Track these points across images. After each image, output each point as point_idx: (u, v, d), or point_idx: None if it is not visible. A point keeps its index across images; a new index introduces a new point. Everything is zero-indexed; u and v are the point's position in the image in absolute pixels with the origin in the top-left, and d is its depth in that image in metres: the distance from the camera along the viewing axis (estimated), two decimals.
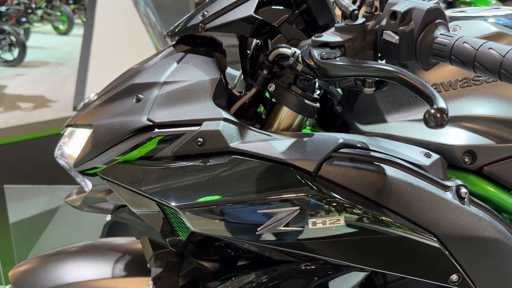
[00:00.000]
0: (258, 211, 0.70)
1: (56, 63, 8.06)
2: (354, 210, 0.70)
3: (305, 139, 0.77)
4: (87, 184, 0.91)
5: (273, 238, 0.71)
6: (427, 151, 0.81)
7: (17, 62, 7.63)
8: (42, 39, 9.96)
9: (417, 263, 0.74)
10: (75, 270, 1.06)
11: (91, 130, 0.85)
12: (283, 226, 0.70)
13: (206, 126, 0.77)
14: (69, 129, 0.94)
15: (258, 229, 0.71)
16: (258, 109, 0.92)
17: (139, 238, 0.95)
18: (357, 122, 0.90)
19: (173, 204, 0.72)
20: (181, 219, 0.79)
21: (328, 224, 0.70)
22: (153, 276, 0.84)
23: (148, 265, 0.90)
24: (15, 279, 1.06)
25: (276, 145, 0.75)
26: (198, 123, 0.78)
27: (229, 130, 0.77)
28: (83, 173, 0.87)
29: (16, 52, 7.52)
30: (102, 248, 1.12)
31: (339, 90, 0.95)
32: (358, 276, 0.78)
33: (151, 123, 0.79)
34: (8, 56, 7.60)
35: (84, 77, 5.17)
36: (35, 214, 2.18)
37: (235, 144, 0.76)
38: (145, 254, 0.91)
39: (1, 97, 6.18)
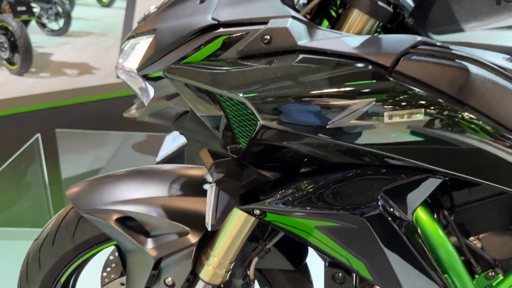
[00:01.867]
0: (330, 103, 0.67)
1: (99, 33, 8.22)
2: (434, 104, 0.66)
3: (379, 36, 0.72)
4: (149, 92, 0.90)
5: (344, 133, 0.68)
6: (509, 56, 0.76)
7: (63, 31, 7.82)
8: (86, 10, 10.17)
9: (500, 168, 0.69)
10: (132, 189, 1.07)
11: (154, 35, 0.83)
12: (356, 119, 0.66)
13: (273, 24, 0.74)
14: (130, 41, 0.94)
15: (329, 123, 0.68)
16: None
17: (198, 152, 0.94)
18: (431, 33, 0.85)
19: (241, 94, 0.70)
20: (244, 124, 0.77)
21: (406, 118, 0.66)
22: (214, 180, 0.83)
23: (209, 172, 0.88)
24: (73, 197, 1.08)
25: (348, 42, 0.71)
26: (264, 21, 0.75)
27: (297, 28, 0.73)
28: (146, 78, 0.86)
29: (61, 22, 7.71)
30: (156, 172, 1.13)
31: (410, 1, 0.90)
32: (431, 183, 0.74)
33: (216, 22, 0.77)
34: (54, 26, 7.80)
35: None
36: (85, 158, 2.25)
37: (304, 42, 0.73)
38: (205, 164, 0.90)
39: (48, 64, 6.37)
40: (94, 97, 5.39)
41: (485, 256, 0.89)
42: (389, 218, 0.74)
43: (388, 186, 0.73)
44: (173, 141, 2.08)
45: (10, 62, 5.74)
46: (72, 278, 1.21)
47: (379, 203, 0.73)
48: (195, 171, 1.14)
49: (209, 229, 0.83)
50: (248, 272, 1.06)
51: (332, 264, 0.88)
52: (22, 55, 5.51)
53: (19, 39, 5.40)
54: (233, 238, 0.99)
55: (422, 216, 0.84)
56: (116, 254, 1.29)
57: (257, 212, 0.84)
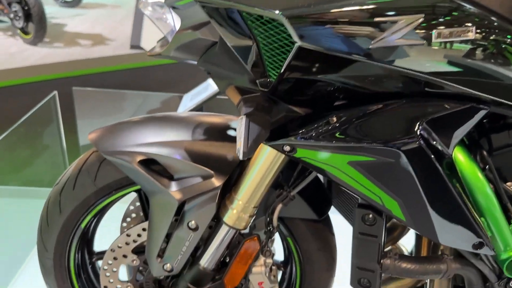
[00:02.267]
0: (375, 20, 0.63)
1: (112, 5, 8.15)
2: (486, 23, 0.61)
3: None
4: (175, 24, 0.86)
5: (388, 53, 0.64)
6: None
7: (76, 3, 7.77)
8: None
9: None
10: (154, 132, 1.04)
11: None
12: (402, 38, 0.62)
13: None
14: None
15: (372, 42, 0.64)
16: None
17: (224, 91, 0.91)
18: None
19: (277, 11, 0.66)
20: (275, 53, 0.74)
21: (455, 37, 0.61)
22: (244, 113, 0.80)
23: (237, 108, 0.85)
24: (95, 140, 1.06)
25: None
26: None
27: None
28: (173, 7, 0.83)
29: None
30: (178, 118, 1.10)
31: None
32: (475, 115, 0.70)
33: None
34: None
35: (141, 18, 5.18)
36: (103, 118, 2.24)
37: None
38: (233, 101, 0.87)
39: (61, 34, 6.35)
40: (108, 67, 5.37)
41: None
42: (429, 152, 0.70)
43: (430, 116, 0.69)
44: (191, 99, 2.05)
45: (24, 31, 5.73)
46: (92, 225, 1.20)
47: (420, 135, 0.69)
48: (217, 118, 1.11)
49: (241, 157, 0.80)
50: (271, 219, 1.04)
51: (362, 206, 0.85)
52: (36, 25, 5.48)
53: (33, 8, 5.37)
54: (258, 181, 0.96)
55: (460, 156, 0.80)
56: (137, 204, 1.27)
57: (287, 148, 0.81)
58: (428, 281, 1.05)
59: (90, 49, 5.78)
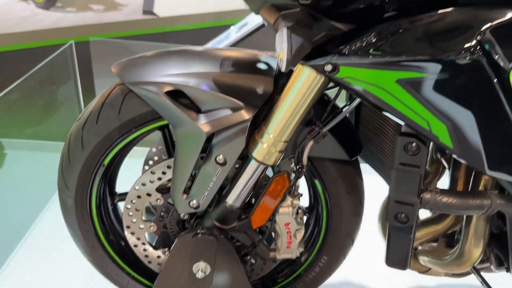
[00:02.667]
0: None
1: None
2: None
3: None
4: None
5: None
6: None
7: None
8: None
9: None
10: (182, 64, 1.00)
11: None
12: None
13: None
14: None
15: None
16: None
17: (258, 11, 0.86)
18: None
19: None
20: None
21: None
22: (284, 27, 0.75)
23: (274, 28, 0.80)
24: (119, 71, 1.02)
25: None
26: None
27: None
28: None
29: None
30: (205, 51, 1.05)
31: None
32: None
33: None
34: None
35: None
36: None
37: None
38: (268, 21, 0.81)
39: None
40: (120, 33, 5.30)
41: None
42: (487, 67, 0.65)
43: (492, 24, 0.63)
44: (237, 31, 1.95)
45: None
46: (115, 163, 1.17)
47: (479, 46, 0.63)
48: (245, 52, 1.06)
49: (283, 68, 0.75)
50: (301, 157, 1.00)
51: (406, 134, 0.80)
52: None
53: None
54: (292, 111, 0.92)
55: None
56: (159, 147, 1.24)
57: (328, 67, 0.76)
58: (463, 224, 1.01)
59: (102, 14, 5.70)
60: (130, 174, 1.22)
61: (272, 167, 1.02)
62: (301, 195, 1.10)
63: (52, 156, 2.16)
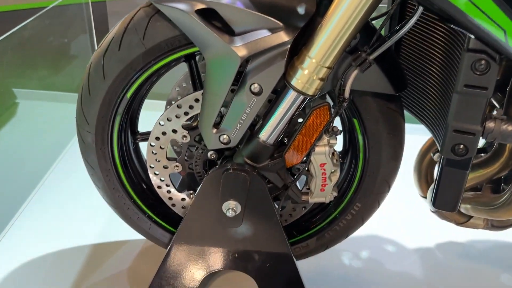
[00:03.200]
0: None
1: None
2: None
3: None
4: None
5: None
6: None
7: None
8: None
9: None
10: None
11: None
12: None
13: None
14: None
15: None
16: None
17: None
18: None
19: None
20: None
21: None
22: None
23: None
24: None
25: None
26: None
27: None
28: None
29: None
30: None
31: None
32: None
33: None
34: None
35: None
36: None
37: None
38: None
39: None
40: None
41: None
42: None
43: None
44: None
45: None
46: (138, 98, 1.09)
47: None
48: None
49: None
50: (343, 88, 0.91)
51: (474, 50, 0.71)
52: None
53: None
54: (338, 31, 0.82)
55: None
56: (183, 84, 1.16)
57: None
58: None
59: None
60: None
61: (311, 100, 0.94)
62: (340, 132, 1.02)
63: (64, 106, 2.10)
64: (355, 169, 1.11)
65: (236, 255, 1.06)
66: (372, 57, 0.88)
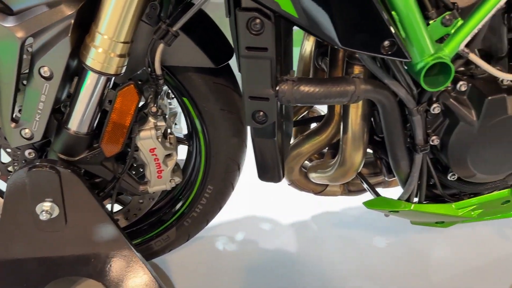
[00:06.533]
0: None
1: None
2: None
3: None
4: None
5: None
6: None
7: None
8: None
9: None
10: None
11: None
12: None
13: None
14: None
15: None
16: None
17: None
18: None
19: None
20: None
21: None
22: None
23: None
24: None
25: None
26: None
27: None
28: None
29: None
30: None
31: None
32: None
33: None
34: None
35: None
36: None
37: None
38: None
39: None
40: None
41: None
42: None
43: None
44: None
45: None
46: None
47: None
48: None
49: None
50: (152, 63, 0.84)
51: (246, 9, 0.65)
52: None
53: None
54: (123, 4, 0.75)
55: None
56: None
57: None
58: (341, 130, 0.91)
59: None
60: None
61: (117, 78, 0.85)
62: (165, 114, 0.95)
63: None
64: (199, 151, 1.06)
65: (74, 260, 0.96)
66: (175, 28, 0.81)
